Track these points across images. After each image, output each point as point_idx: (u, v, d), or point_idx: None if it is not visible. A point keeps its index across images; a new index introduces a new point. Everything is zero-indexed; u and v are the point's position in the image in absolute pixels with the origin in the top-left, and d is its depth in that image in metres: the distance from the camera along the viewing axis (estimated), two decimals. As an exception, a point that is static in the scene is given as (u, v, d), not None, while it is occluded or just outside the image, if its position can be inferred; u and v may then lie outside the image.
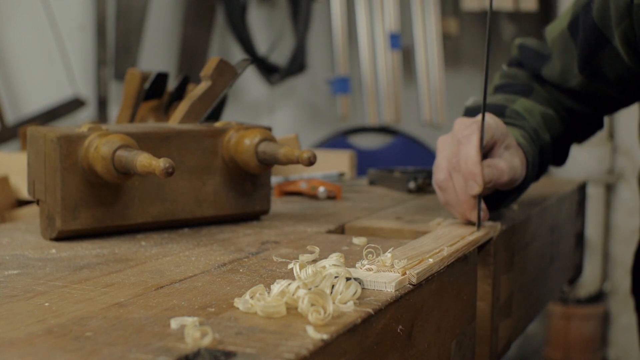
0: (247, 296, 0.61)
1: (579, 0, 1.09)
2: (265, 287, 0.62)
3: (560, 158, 1.22)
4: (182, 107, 1.04)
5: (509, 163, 0.93)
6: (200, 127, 0.99)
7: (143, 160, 0.83)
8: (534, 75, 1.19)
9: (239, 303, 0.60)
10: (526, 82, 1.19)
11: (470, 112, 1.10)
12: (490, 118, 0.94)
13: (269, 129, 1.01)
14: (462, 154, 0.90)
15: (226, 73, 1.05)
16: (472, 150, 0.89)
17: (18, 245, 0.86)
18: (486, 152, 0.94)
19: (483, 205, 0.91)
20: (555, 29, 1.16)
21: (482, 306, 0.92)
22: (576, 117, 1.19)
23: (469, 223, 0.92)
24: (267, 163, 0.98)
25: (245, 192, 1.02)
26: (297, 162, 0.94)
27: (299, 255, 0.77)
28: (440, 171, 0.93)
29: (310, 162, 0.94)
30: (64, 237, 0.89)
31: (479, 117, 0.92)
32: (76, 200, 0.88)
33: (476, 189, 0.88)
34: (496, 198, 1.01)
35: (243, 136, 0.98)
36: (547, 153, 1.10)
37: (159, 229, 0.96)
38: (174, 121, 1.03)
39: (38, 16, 2.31)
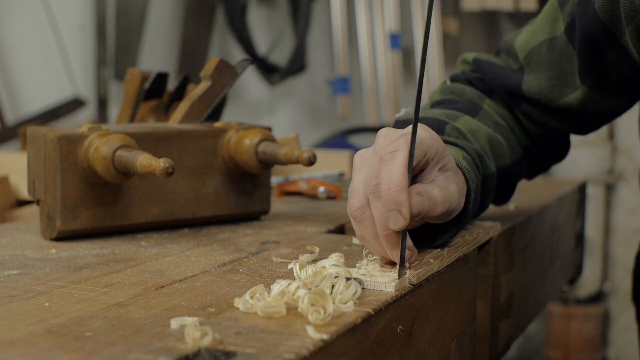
0: (247, 296, 0.61)
1: (567, 0, 0.95)
2: (265, 287, 0.62)
3: (502, 196, 1.01)
4: (182, 107, 1.04)
5: (444, 190, 0.73)
6: (200, 127, 0.99)
7: (143, 160, 0.83)
8: (509, 94, 1.01)
9: (239, 303, 0.60)
10: (474, 101, 1.01)
11: (400, 125, 0.90)
12: (424, 131, 0.74)
13: (269, 129, 1.02)
14: (384, 176, 0.70)
15: (226, 73, 1.05)
16: (397, 171, 0.69)
17: (18, 245, 0.86)
18: (416, 174, 0.75)
19: (409, 242, 0.71)
20: (532, 39, 0.99)
21: (482, 306, 0.92)
22: (552, 139, 1.05)
23: (390, 263, 0.72)
24: (267, 163, 0.98)
25: (245, 192, 1.02)
26: (297, 162, 0.94)
27: (299, 255, 0.77)
28: (355, 197, 0.73)
29: (310, 162, 0.93)
30: (64, 237, 0.89)
31: (410, 128, 0.73)
32: (76, 200, 0.88)
33: (400, 222, 0.68)
34: (426, 232, 0.80)
35: (243, 136, 0.98)
36: (491, 185, 0.90)
37: (159, 229, 0.96)
38: (174, 121, 1.03)
39: (38, 16, 2.31)
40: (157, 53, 2.71)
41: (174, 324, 0.56)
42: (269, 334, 0.54)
